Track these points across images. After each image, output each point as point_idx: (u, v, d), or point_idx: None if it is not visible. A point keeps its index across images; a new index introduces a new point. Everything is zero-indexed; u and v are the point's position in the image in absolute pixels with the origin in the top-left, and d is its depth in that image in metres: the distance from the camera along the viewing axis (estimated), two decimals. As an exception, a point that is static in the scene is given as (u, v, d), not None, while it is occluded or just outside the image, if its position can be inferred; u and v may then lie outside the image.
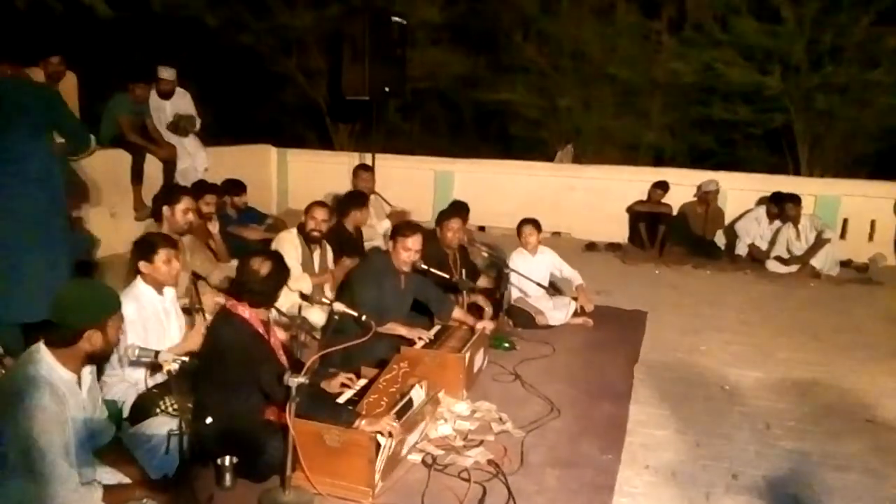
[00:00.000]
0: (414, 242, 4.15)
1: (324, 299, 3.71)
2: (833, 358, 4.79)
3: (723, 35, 9.38)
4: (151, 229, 4.13)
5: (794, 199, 7.43)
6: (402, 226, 4.31)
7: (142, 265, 3.33)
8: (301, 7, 10.11)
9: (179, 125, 7.17)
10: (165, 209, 4.18)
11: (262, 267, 3.05)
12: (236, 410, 2.92)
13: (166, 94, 7.16)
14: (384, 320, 3.99)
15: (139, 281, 3.35)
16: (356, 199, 5.66)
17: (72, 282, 2.59)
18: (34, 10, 8.01)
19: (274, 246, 4.78)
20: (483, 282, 5.53)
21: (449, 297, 4.48)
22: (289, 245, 4.73)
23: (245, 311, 3.02)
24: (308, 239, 4.81)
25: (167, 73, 7.08)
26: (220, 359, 2.92)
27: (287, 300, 3.91)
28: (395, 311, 4.18)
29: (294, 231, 4.89)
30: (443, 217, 5.14)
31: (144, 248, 3.37)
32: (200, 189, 5.45)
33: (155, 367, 3.05)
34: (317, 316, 4.36)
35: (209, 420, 2.90)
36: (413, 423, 3.06)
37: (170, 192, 4.37)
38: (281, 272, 3.13)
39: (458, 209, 5.65)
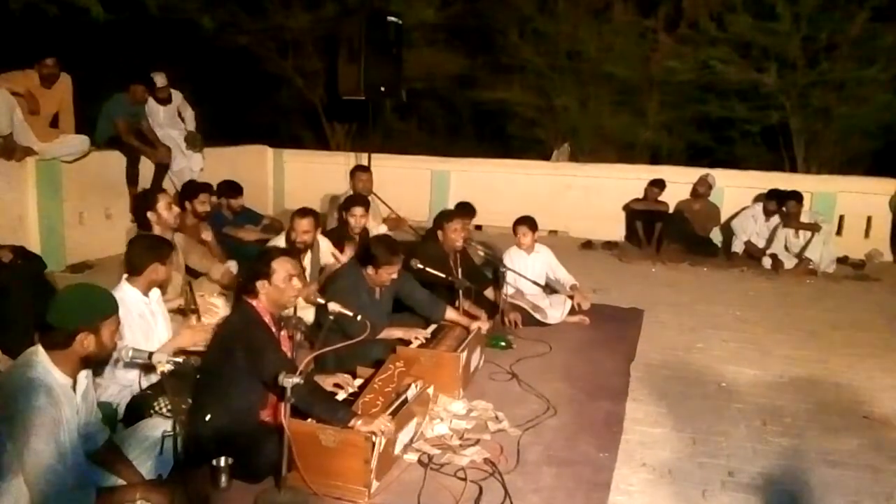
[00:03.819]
0: (394, 272, 4.01)
1: (319, 300, 3.69)
2: (830, 354, 4.79)
3: (719, 33, 9.40)
4: (133, 234, 4.15)
5: (796, 197, 7.40)
6: (381, 251, 3.96)
7: (153, 267, 3.35)
8: (297, 8, 10.10)
9: (191, 142, 7.24)
10: (150, 214, 4.20)
11: None
12: (233, 409, 2.92)
13: (164, 101, 7.18)
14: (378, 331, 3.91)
15: (124, 283, 3.34)
16: (351, 201, 5.57)
17: (70, 285, 2.58)
18: (28, 13, 8.00)
19: None
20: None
21: (439, 300, 4.41)
22: None
23: (255, 302, 3.07)
24: (294, 250, 4.64)
25: (161, 79, 7.10)
26: (226, 343, 2.98)
27: None
28: (373, 320, 4.08)
29: (283, 241, 4.82)
30: (444, 218, 5.08)
31: (160, 251, 3.39)
32: (195, 189, 5.43)
33: (148, 369, 3.04)
34: (313, 316, 4.34)
35: (208, 417, 2.90)
36: (403, 419, 3.05)
37: (146, 197, 4.36)
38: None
39: (460, 210, 5.62)
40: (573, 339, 4.98)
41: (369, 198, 6.71)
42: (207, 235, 5.22)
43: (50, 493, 2.22)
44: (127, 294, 3.30)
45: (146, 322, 3.35)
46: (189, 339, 3.33)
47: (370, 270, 3.99)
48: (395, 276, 4.05)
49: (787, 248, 7.42)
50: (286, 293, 3.08)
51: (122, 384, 3.20)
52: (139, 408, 3.09)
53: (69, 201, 6.31)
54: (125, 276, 3.38)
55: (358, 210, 5.29)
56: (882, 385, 4.25)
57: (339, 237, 5.28)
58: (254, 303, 3.07)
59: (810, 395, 4.07)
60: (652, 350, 4.77)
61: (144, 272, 3.34)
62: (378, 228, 6.47)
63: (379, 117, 10.18)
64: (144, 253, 3.38)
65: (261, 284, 3.06)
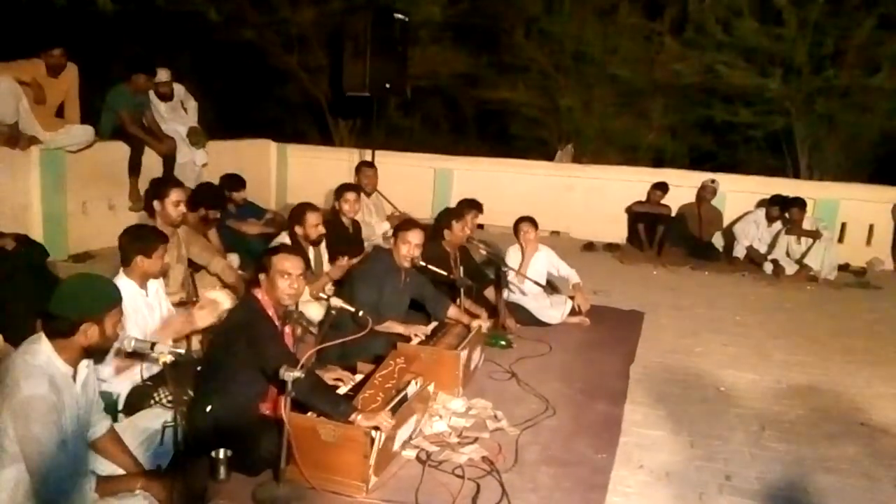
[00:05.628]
0: (414, 236, 4.19)
1: (321, 294, 3.71)
2: (829, 361, 4.79)
3: (724, 37, 9.36)
4: (144, 222, 4.12)
5: (800, 204, 7.38)
6: (404, 222, 4.42)
7: (139, 259, 3.31)
8: (303, 3, 10.09)
9: (193, 138, 7.23)
10: (156, 203, 4.08)
11: None
12: (234, 401, 2.94)
13: (166, 96, 7.18)
14: (382, 319, 3.98)
15: (121, 276, 3.30)
16: (343, 188, 5.58)
17: (75, 274, 2.59)
18: (35, 2, 8.01)
19: None
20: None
21: (445, 297, 4.47)
22: None
23: (261, 294, 3.09)
24: (312, 244, 4.80)
25: (164, 74, 7.10)
26: (229, 335, 3.01)
27: None
28: (393, 309, 4.19)
29: (286, 238, 4.76)
30: (452, 216, 5.07)
31: (145, 243, 3.33)
32: (218, 200, 5.46)
33: (148, 359, 3.05)
34: (314, 311, 4.36)
35: (209, 409, 2.91)
36: (403, 415, 3.06)
37: (158, 185, 4.22)
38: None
39: (470, 205, 5.56)
40: (573, 339, 4.99)
41: (374, 195, 6.74)
42: (213, 235, 5.22)
43: (50, 479, 2.23)
44: (122, 287, 3.28)
45: (142, 316, 3.32)
46: (180, 330, 3.33)
47: (392, 243, 4.31)
48: (414, 248, 4.21)
49: (788, 255, 7.42)
50: (279, 289, 3.07)
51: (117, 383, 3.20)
52: (140, 398, 3.09)
53: (73, 191, 6.32)
54: (121, 268, 3.35)
55: (350, 195, 5.45)
56: (880, 393, 4.26)
57: (333, 226, 5.27)
58: (259, 296, 3.10)
59: (809, 401, 4.08)
60: (651, 353, 4.77)
61: (131, 264, 3.32)
62: (382, 226, 6.46)
63: (383, 114, 10.18)
64: (129, 245, 3.33)
65: (262, 278, 3.11)
